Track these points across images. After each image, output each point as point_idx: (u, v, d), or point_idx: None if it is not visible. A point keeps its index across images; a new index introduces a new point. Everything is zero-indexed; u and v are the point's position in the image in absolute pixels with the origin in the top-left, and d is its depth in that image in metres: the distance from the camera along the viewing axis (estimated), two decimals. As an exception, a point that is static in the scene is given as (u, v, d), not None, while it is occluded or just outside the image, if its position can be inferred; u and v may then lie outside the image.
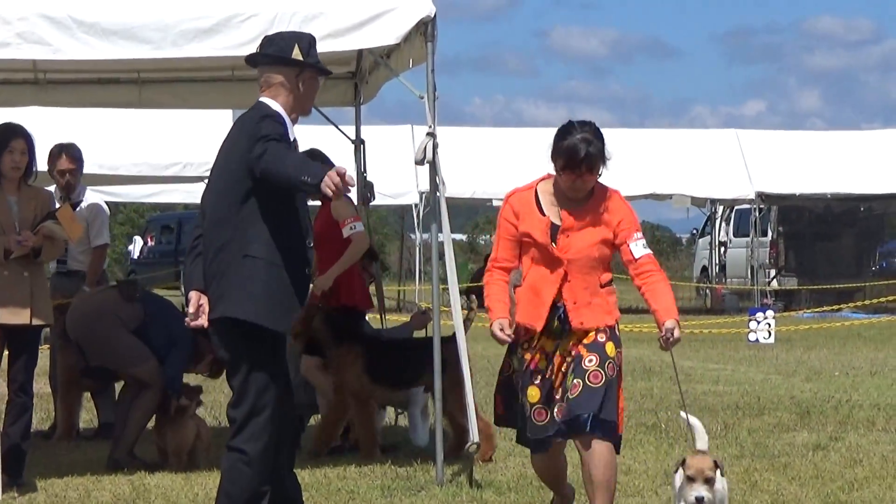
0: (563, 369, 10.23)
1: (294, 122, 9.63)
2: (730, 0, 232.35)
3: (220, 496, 9.34)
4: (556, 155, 10.29)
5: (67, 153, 14.83)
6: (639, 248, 10.35)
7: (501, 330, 10.13)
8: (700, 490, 9.59)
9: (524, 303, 10.32)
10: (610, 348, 10.38)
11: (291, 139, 9.54)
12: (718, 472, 9.83)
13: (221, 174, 9.46)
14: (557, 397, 10.19)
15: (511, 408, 10.53)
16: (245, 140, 9.41)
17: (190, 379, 14.06)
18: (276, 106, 9.55)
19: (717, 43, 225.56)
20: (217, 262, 9.37)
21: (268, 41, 9.89)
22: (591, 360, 10.18)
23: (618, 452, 10.53)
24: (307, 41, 9.80)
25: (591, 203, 10.35)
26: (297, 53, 9.57)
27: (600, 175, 10.46)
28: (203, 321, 9.47)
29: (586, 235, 10.27)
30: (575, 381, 10.11)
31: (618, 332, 10.58)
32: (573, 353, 10.24)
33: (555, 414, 10.18)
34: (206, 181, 9.87)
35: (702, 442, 10.10)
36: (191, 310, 9.49)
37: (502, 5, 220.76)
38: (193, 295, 9.51)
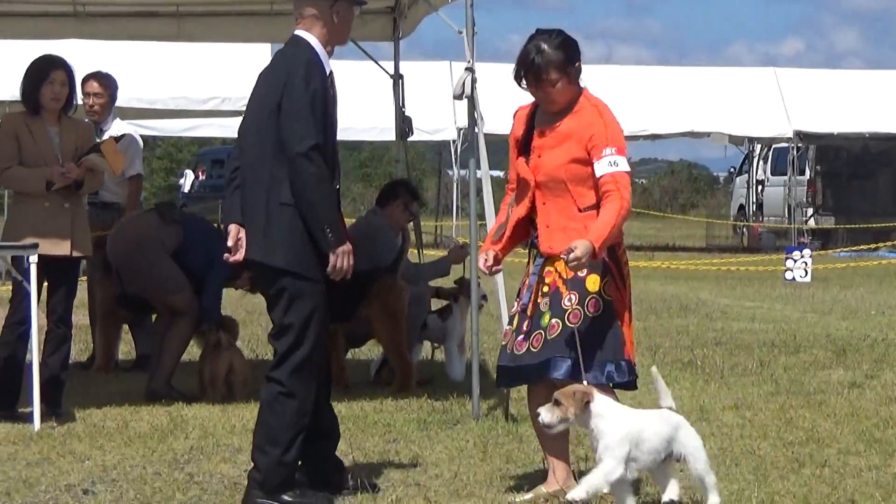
0: (538, 300, 9.78)
1: (330, 53, 9.55)
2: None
3: (259, 427, 9.34)
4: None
5: (97, 78, 14.79)
6: (602, 165, 9.60)
7: (485, 262, 10.02)
8: (543, 412, 9.44)
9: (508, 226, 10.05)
10: (592, 282, 9.66)
11: (328, 72, 9.49)
12: (595, 406, 9.59)
13: (258, 113, 9.41)
14: (525, 328, 9.79)
15: None
16: (283, 83, 9.34)
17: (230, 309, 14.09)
18: (311, 39, 9.48)
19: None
20: (254, 202, 9.36)
21: None
22: (570, 299, 9.61)
23: (634, 388, 10.11)
24: None
25: (565, 120, 9.85)
26: None
27: (574, 85, 9.96)
28: (240, 256, 9.49)
29: (556, 154, 9.80)
30: (553, 321, 9.64)
31: (606, 259, 9.69)
32: (552, 287, 9.76)
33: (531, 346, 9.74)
34: (243, 115, 9.82)
35: (667, 400, 9.85)
36: (230, 243, 9.50)
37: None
38: (232, 228, 9.48)
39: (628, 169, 9.73)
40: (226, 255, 9.65)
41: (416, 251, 16.85)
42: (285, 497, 9.29)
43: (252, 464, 9.37)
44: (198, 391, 13.74)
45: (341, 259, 9.28)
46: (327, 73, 9.47)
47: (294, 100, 9.24)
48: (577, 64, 9.94)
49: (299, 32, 9.53)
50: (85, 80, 14.61)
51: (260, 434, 9.36)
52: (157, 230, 13.84)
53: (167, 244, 13.75)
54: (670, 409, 9.59)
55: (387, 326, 14.05)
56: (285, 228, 9.28)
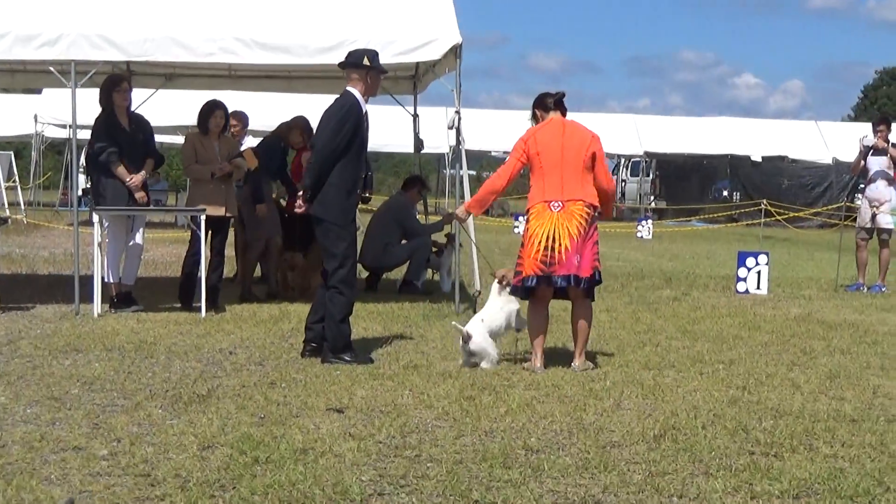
0: None
1: (366, 101, 9.62)
2: (636, 36, 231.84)
3: (327, 315, 9.41)
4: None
5: (234, 116, 14.60)
6: None
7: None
8: None
9: None
10: None
11: (364, 112, 9.57)
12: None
13: (323, 130, 9.48)
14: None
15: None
16: (336, 112, 9.47)
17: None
18: (355, 92, 9.54)
19: (623, 63, 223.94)
20: (319, 181, 9.44)
21: (349, 54, 9.89)
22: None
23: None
24: (373, 53, 9.76)
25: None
26: (366, 61, 9.59)
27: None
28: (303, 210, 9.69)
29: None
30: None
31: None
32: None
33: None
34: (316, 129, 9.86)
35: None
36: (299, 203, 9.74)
37: (497, 40, 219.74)
38: (301, 197, 9.73)
39: None
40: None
41: (424, 216, 16.97)
42: (345, 356, 9.29)
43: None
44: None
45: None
46: (363, 112, 9.55)
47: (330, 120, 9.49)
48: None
49: (348, 88, 9.60)
50: (230, 115, 14.50)
51: (328, 318, 9.38)
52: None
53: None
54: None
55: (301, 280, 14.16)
56: (328, 196, 9.47)
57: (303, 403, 7.64)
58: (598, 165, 9.45)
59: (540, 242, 9.27)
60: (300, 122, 14.39)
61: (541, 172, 9.39)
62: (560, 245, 9.21)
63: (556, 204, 9.27)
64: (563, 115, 9.68)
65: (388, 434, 6.80)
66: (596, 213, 9.40)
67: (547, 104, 9.73)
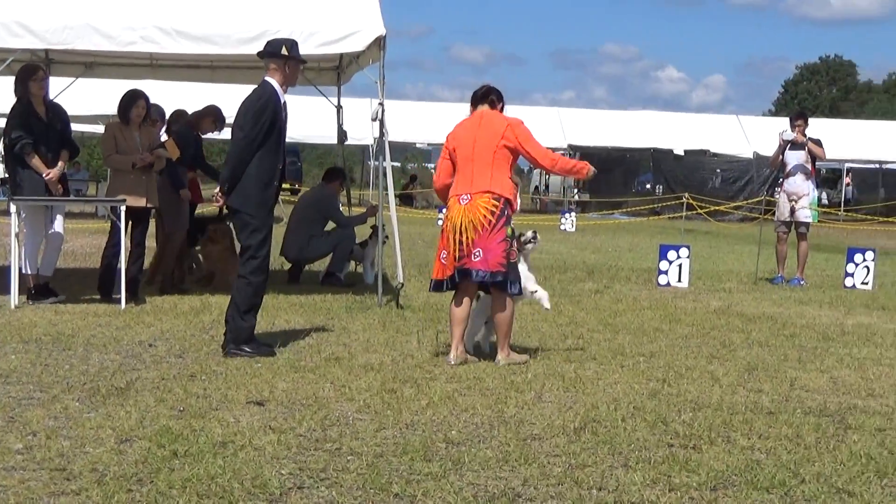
0: None
1: (285, 91, 9.56)
2: (560, 29, 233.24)
3: (231, 303, 9.34)
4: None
5: (156, 109, 14.47)
6: None
7: None
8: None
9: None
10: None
11: (282, 101, 9.51)
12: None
13: (241, 120, 9.41)
14: None
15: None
16: (254, 102, 9.40)
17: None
18: (274, 82, 9.49)
19: (547, 56, 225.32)
20: (237, 172, 9.35)
21: (268, 43, 9.81)
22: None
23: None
24: (291, 43, 9.69)
25: None
26: (284, 51, 9.53)
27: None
28: (221, 202, 9.60)
29: None
30: None
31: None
32: None
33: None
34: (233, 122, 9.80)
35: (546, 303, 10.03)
36: (216, 195, 9.59)
37: (422, 32, 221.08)
38: (218, 191, 9.59)
39: None
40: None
41: (347, 208, 16.91)
42: (246, 348, 9.24)
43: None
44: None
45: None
46: (282, 102, 9.51)
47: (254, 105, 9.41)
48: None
49: (267, 78, 9.55)
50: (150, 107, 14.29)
51: (232, 307, 9.31)
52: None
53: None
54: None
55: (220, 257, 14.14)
56: (246, 188, 9.36)
57: (223, 396, 7.59)
58: (527, 148, 9.35)
59: (450, 237, 9.23)
60: (212, 110, 14.25)
61: (457, 167, 9.40)
62: (467, 238, 9.14)
63: (465, 197, 9.24)
64: (492, 107, 9.59)
65: (308, 427, 6.77)
66: (504, 205, 9.21)
67: (474, 100, 9.70)
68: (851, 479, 5.97)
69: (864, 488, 5.81)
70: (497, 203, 9.16)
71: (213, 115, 14.22)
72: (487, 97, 9.64)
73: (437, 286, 9.45)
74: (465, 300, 9.39)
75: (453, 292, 9.43)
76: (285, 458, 6.06)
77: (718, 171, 45.65)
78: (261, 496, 5.42)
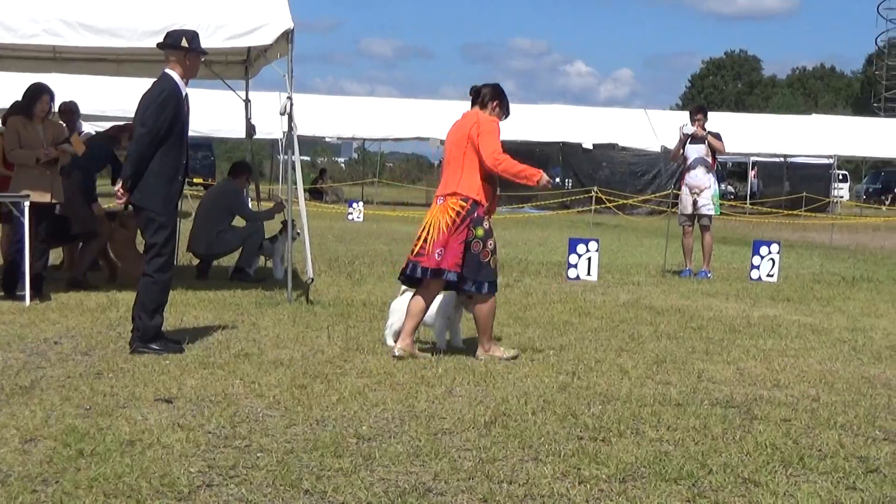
0: None
1: (186, 83, 9.45)
2: (470, 23, 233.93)
3: (137, 301, 9.22)
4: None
5: (63, 105, 14.30)
6: None
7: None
8: None
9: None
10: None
11: (183, 94, 9.40)
12: None
13: (142, 115, 9.28)
14: None
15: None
16: (155, 97, 9.27)
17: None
18: (174, 74, 9.38)
19: (457, 50, 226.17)
20: (139, 169, 9.22)
21: (168, 35, 9.69)
22: None
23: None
24: (192, 34, 9.58)
25: None
26: (184, 42, 9.42)
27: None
28: (124, 200, 9.39)
29: None
30: None
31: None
32: None
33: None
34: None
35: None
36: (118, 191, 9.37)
37: (331, 25, 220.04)
38: (119, 185, 9.36)
39: None
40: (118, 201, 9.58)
41: (255, 202, 16.84)
42: (153, 346, 9.13)
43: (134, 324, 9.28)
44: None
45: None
46: (183, 95, 9.40)
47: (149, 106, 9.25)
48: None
49: (167, 70, 9.45)
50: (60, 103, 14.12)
51: (138, 306, 9.20)
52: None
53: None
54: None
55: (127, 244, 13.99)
56: (150, 184, 9.24)
57: (130, 394, 7.50)
58: (478, 142, 9.24)
59: (420, 234, 9.36)
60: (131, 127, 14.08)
61: (442, 170, 9.59)
62: (430, 236, 9.24)
63: (441, 199, 9.35)
64: (483, 106, 9.52)
65: (217, 424, 6.72)
66: (472, 206, 9.22)
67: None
68: (757, 468, 6.06)
69: (769, 478, 5.89)
70: (464, 204, 9.22)
71: (132, 131, 14.04)
72: (477, 97, 9.58)
73: (401, 275, 9.62)
74: (424, 296, 9.41)
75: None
76: (194, 456, 6.00)
77: (605, 164, 45.97)
78: (169, 494, 5.37)
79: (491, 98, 9.52)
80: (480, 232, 9.24)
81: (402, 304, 9.69)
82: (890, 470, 6.15)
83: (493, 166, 9.25)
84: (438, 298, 9.63)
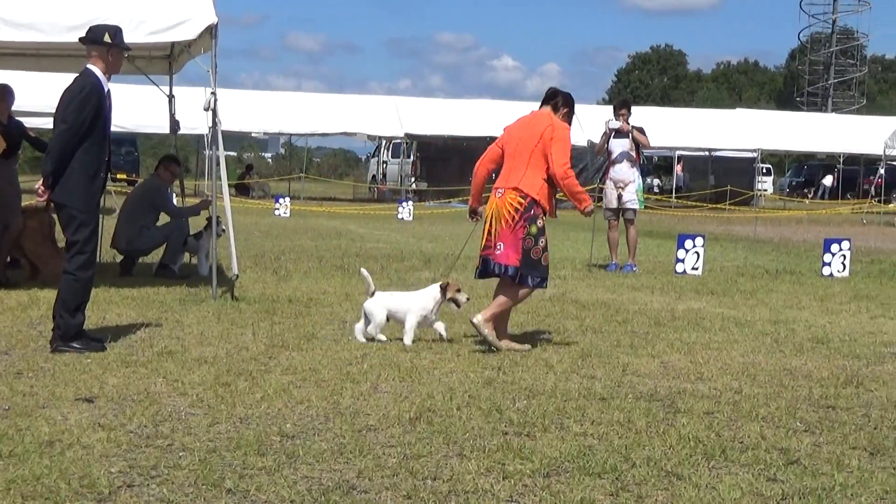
0: None
1: (108, 78, 9.32)
2: (396, 17, 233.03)
3: (58, 300, 9.10)
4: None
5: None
6: None
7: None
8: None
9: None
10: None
11: (106, 90, 9.27)
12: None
13: (64, 111, 9.16)
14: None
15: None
16: (77, 92, 9.15)
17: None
18: (96, 70, 9.25)
19: (384, 45, 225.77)
20: (61, 165, 9.11)
21: (90, 29, 9.55)
22: None
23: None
24: (115, 29, 9.48)
25: None
26: (107, 38, 9.30)
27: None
28: (45, 198, 9.29)
29: None
30: None
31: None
32: None
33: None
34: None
35: (370, 289, 9.93)
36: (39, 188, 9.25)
37: (256, 20, 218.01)
38: (41, 182, 9.24)
39: None
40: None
41: (180, 198, 16.71)
42: (74, 344, 9.02)
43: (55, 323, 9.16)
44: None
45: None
46: (105, 91, 9.27)
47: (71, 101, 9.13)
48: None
49: (89, 66, 9.32)
50: None
51: (59, 304, 9.08)
52: None
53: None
54: (373, 294, 9.86)
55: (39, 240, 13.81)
56: (71, 181, 9.13)
57: (50, 393, 7.40)
58: (551, 149, 9.55)
59: (485, 226, 9.70)
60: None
61: (504, 160, 9.81)
62: (495, 229, 9.59)
63: (500, 191, 9.68)
64: (555, 110, 9.89)
65: (139, 423, 6.64)
66: (529, 203, 9.53)
67: (543, 100, 10.09)
68: (680, 461, 6.10)
69: (692, 471, 5.93)
70: (522, 201, 9.54)
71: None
72: (552, 99, 9.98)
73: (477, 274, 9.99)
74: (503, 292, 9.73)
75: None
76: (115, 456, 5.93)
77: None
78: (88, 496, 5.30)
79: (564, 104, 9.98)
80: (534, 230, 9.57)
81: (374, 305, 9.81)
82: (810, 461, 6.21)
83: (560, 177, 9.56)
84: (419, 297, 9.90)
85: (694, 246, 17.26)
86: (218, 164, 12.78)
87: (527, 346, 9.73)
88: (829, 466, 6.10)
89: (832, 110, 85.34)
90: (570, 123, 9.98)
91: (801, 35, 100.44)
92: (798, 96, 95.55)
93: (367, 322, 9.85)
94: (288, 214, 32.70)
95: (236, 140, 64.20)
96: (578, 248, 20.96)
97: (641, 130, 17.12)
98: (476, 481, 5.65)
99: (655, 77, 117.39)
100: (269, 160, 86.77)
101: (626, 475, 5.82)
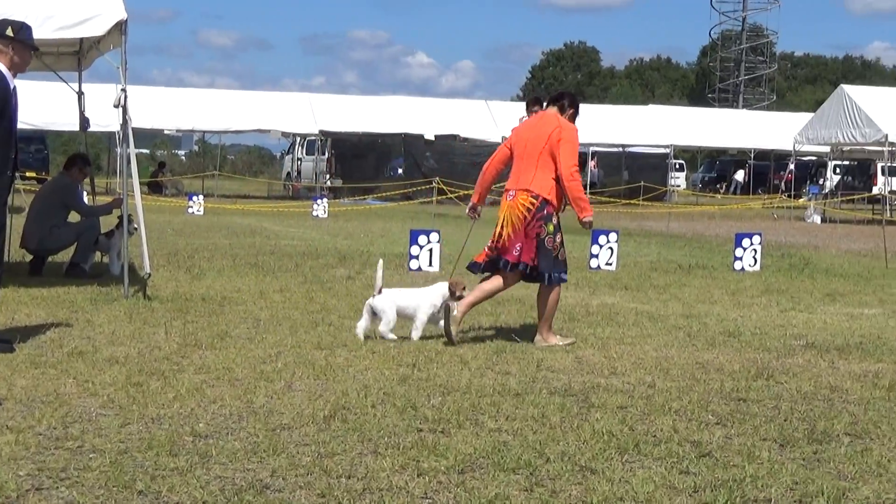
0: None
1: (14, 75, 9.15)
2: (309, 14, 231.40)
3: None
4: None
5: None
6: None
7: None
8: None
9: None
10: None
11: (12, 87, 9.08)
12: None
13: None
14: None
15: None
16: None
17: None
18: (1, 66, 9.06)
19: (297, 41, 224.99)
20: None
21: None
22: None
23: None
24: (18, 25, 9.30)
25: None
26: (10, 32, 9.15)
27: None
28: None
29: None
30: None
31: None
32: None
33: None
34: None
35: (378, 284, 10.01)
36: None
37: (167, 16, 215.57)
38: None
39: None
40: None
41: (91, 197, 16.51)
42: None
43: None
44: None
45: None
46: (11, 87, 9.08)
47: None
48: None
49: None
50: None
51: None
52: None
53: None
54: (380, 291, 9.93)
55: None
56: None
57: (-43, 396, 7.28)
58: (559, 150, 9.79)
59: (496, 228, 10.00)
60: None
61: (513, 163, 10.07)
62: (506, 232, 9.89)
63: (511, 193, 9.97)
64: (562, 111, 10.13)
65: (48, 425, 6.54)
66: (542, 203, 9.81)
67: (548, 101, 10.38)
68: (594, 456, 6.13)
69: (605, 465, 5.97)
70: (534, 201, 9.82)
71: None
72: (559, 100, 10.26)
73: (473, 267, 10.34)
74: (497, 279, 10.11)
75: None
76: (23, 459, 5.84)
77: (447, 155, 46.34)
78: (-4, 500, 5.22)
79: (570, 105, 10.23)
80: (551, 227, 9.86)
81: (384, 302, 9.91)
82: (722, 453, 6.28)
83: (566, 179, 9.81)
84: (428, 293, 10.07)
85: (608, 241, 17.40)
86: (129, 161, 12.65)
87: (571, 340, 10.13)
88: (740, 458, 6.18)
89: (743, 107, 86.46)
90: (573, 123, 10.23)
91: (712, 32, 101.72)
92: (710, 93, 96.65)
93: (371, 319, 9.95)
94: (202, 212, 32.44)
95: (149, 137, 63.45)
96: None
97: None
98: (390, 479, 5.64)
99: (569, 74, 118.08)
100: (183, 158, 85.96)
101: (540, 470, 5.84)
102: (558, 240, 9.92)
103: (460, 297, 9.95)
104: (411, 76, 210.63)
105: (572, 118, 10.18)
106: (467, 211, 10.64)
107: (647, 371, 8.77)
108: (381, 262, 10.10)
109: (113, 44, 12.87)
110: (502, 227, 9.94)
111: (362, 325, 9.93)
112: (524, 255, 9.85)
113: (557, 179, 9.85)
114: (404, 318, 10.02)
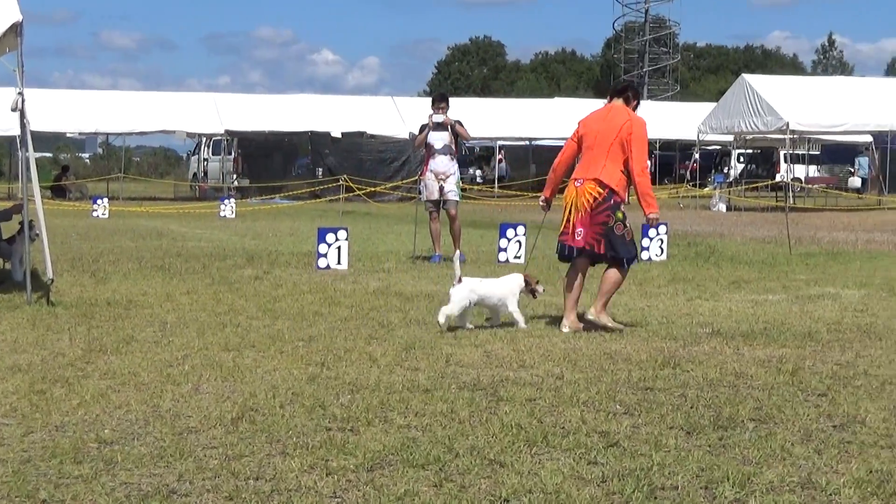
0: None
1: None
2: (212, 13, 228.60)
3: None
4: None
5: None
6: None
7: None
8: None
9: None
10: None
11: None
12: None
13: None
14: None
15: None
16: None
17: None
18: None
19: (201, 41, 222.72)
20: None
21: None
22: None
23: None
24: None
25: None
26: None
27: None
28: None
29: None
30: None
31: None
32: None
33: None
34: None
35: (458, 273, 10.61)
36: None
37: (67, 17, 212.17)
38: None
39: None
40: None
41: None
42: None
43: None
44: None
45: None
46: None
47: None
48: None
49: None
50: None
51: None
52: None
53: None
54: (460, 280, 10.55)
55: None
56: None
57: None
58: (632, 147, 10.37)
59: (563, 214, 10.56)
60: None
61: (582, 153, 10.54)
62: (573, 217, 10.47)
63: (579, 181, 10.55)
64: (627, 103, 10.70)
65: (-51, 437, 6.43)
66: (609, 194, 10.36)
67: (611, 94, 10.90)
68: (503, 449, 6.15)
69: (514, 458, 5.99)
70: (602, 191, 10.38)
71: None
72: (623, 93, 10.82)
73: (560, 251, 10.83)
74: (576, 273, 10.67)
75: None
76: (-77, 472, 5.73)
77: (354, 152, 46.39)
78: None
79: (634, 97, 10.87)
80: (620, 215, 10.41)
81: (463, 291, 10.47)
82: (629, 443, 6.33)
83: (636, 175, 10.37)
84: (507, 283, 10.72)
85: (516, 235, 17.50)
86: (28, 166, 12.46)
87: (620, 326, 10.57)
88: (648, 447, 6.23)
89: (648, 97, 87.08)
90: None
91: (615, 24, 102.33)
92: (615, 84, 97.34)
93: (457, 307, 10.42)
94: (107, 215, 32.05)
95: (51, 141, 62.71)
96: (402, 241, 21.02)
97: (460, 123, 17.32)
98: (299, 479, 5.61)
99: (475, 68, 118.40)
100: (87, 160, 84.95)
101: (449, 465, 5.85)
102: (628, 225, 10.47)
103: (532, 291, 10.62)
104: (317, 74, 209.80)
105: (636, 109, 10.75)
106: (540, 203, 11.24)
107: (556, 363, 8.82)
108: (458, 252, 11.09)
109: (9, 46, 12.66)
110: (570, 211, 10.49)
111: (446, 309, 10.40)
112: (585, 238, 10.43)
113: (626, 172, 10.38)
114: (485, 306, 10.75)
